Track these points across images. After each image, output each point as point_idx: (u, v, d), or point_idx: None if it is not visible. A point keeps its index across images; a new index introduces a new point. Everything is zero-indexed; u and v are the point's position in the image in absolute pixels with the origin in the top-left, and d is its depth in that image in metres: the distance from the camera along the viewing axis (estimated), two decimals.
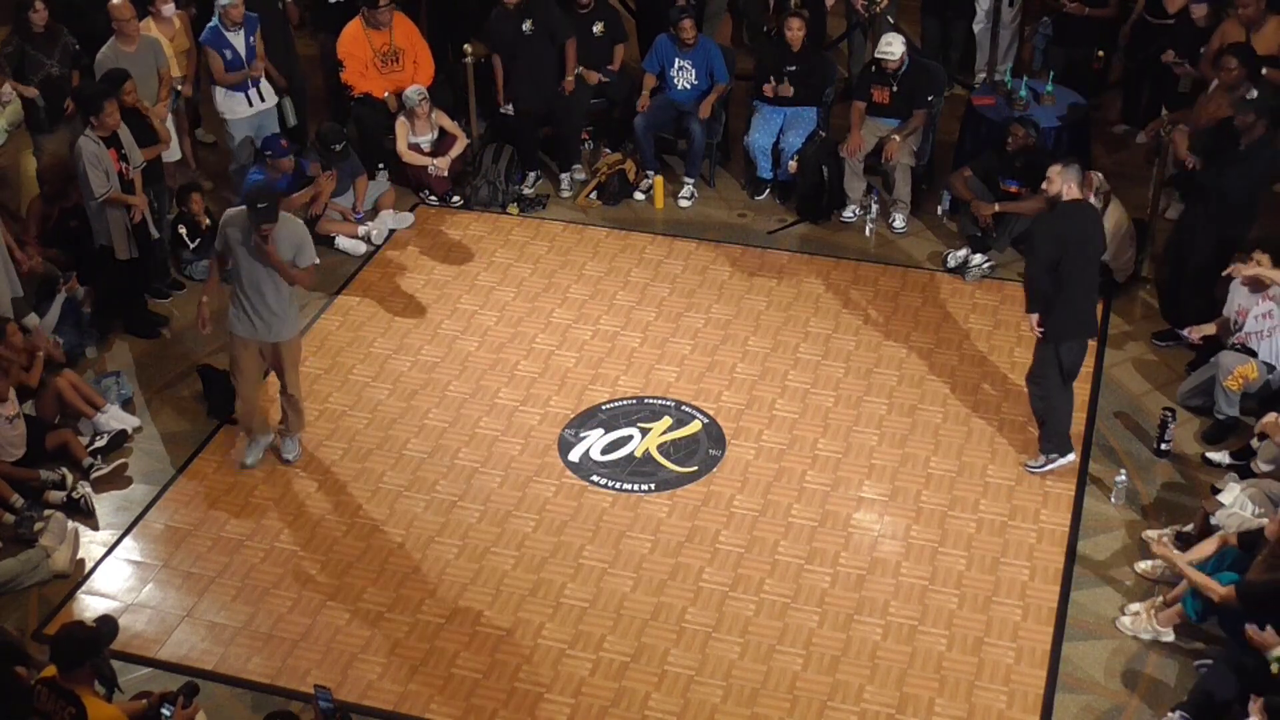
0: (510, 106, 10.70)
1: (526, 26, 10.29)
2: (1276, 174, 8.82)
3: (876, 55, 10.21)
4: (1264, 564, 6.73)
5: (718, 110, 10.72)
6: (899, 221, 10.27)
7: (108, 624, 6.75)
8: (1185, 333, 8.65)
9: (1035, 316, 7.81)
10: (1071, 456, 8.13)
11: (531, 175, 10.84)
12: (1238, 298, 8.34)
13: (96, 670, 6.29)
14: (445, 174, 10.62)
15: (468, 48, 10.82)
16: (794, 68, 10.40)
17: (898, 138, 10.13)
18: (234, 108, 10.16)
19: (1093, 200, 9.19)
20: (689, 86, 10.60)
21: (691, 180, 10.71)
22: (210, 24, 10.05)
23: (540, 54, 10.41)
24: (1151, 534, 7.68)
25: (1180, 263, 8.93)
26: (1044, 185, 7.75)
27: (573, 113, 10.76)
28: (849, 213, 10.40)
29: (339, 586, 7.55)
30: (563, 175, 10.77)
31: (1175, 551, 7.10)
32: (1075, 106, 10.36)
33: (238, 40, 9.99)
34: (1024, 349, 9.10)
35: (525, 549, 7.75)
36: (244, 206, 7.71)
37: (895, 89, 10.18)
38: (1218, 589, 6.76)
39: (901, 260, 10.04)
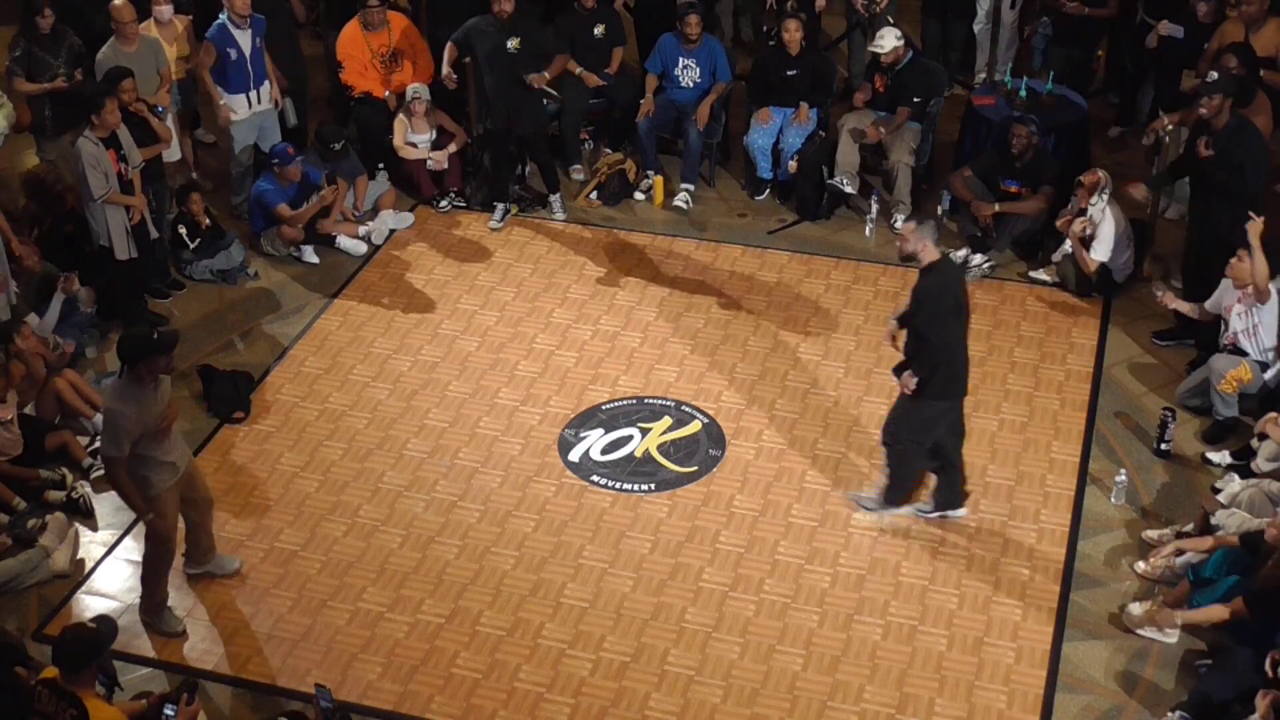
0: (480, 117, 10.46)
1: (511, 45, 9.86)
2: (1263, 153, 8.78)
3: (870, 48, 10.30)
4: (1273, 570, 6.72)
5: (717, 110, 10.72)
6: (899, 221, 10.27)
7: (107, 624, 6.74)
8: (1158, 294, 8.58)
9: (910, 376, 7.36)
10: (910, 510, 7.86)
11: (500, 208, 10.46)
12: (1225, 295, 8.33)
13: (101, 669, 6.30)
14: (445, 166, 10.61)
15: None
16: (793, 71, 10.41)
17: (883, 128, 10.13)
18: (233, 108, 10.15)
19: (1103, 199, 9.23)
20: (693, 84, 10.60)
21: (689, 187, 10.67)
22: (218, 20, 10.01)
23: (519, 75, 9.93)
24: (1152, 534, 7.69)
25: (1200, 271, 8.88)
26: (899, 244, 7.27)
27: (565, 134, 10.66)
28: (841, 181, 10.23)
29: (339, 586, 7.55)
30: (552, 197, 10.59)
31: (1179, 612, 7.02)
32: (1074, 107, 10.37)
33: (244, 40, 9.96)
34: (1024, 349, 9.12)
35: (525, 549, 7.75)
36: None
37: (891, 82, 10.20)
38: (1223, 613, 6.76)
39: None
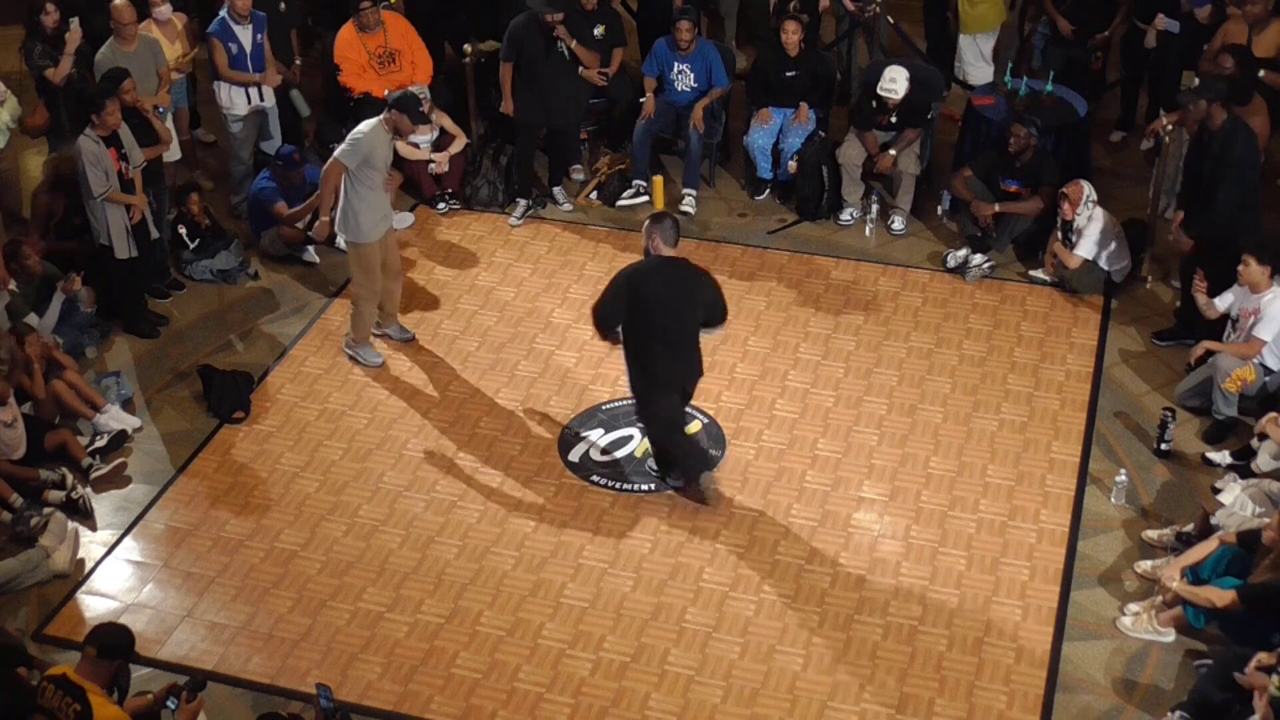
0: (519, 113, 10.43)
1: (561, 45, 10.09)
2: (1256, 156, 8.79)
3: (879, 91, 10.08)
4: (1269, 568, 6.73)
5: (717, 110, 10.72)
6: (898, 223, 10.26)
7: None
8: (1199, 299, 8.51)
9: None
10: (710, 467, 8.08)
11: (521, 204, 10.55)
12: (1238, 299, 8.34)
13: (117, 676, 6.31)
14: (446, 169, 10.61)
15: (467, 48, 10.81)
16: (792, 72, 10.40)
17: (894, 151, 10.13)
18: (233, 102, 10.16)
19: (1088, 208, 9.24)
20: (689, 89, 10.59)
21: (692, 192, 10.64)
22: (219, 16, 10.04)
23: (568, 72, 10.22)
24: (1152, 534, 7.70)
25: (1196, 269, 8.88)
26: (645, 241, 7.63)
27: (574, 124, 10.73)
28: (846, 215, 10.39)
29: (339, 586, 7.55)
30: (555, 189, 10.71)
31: (1177, 582, 7.03)
32: (1074, 107, 10.37)
33: (245, 35, 9.97)
34: (1024, 349, 9.12)
35: (525, 549, 7.75)
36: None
37: (895, 119, 10.18)
38: (1217, 600, 6.76)
39: (901, 260, 10.04)
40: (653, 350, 7.62)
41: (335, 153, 8.54)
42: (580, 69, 10.60)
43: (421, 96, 10.46)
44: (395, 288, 9.11)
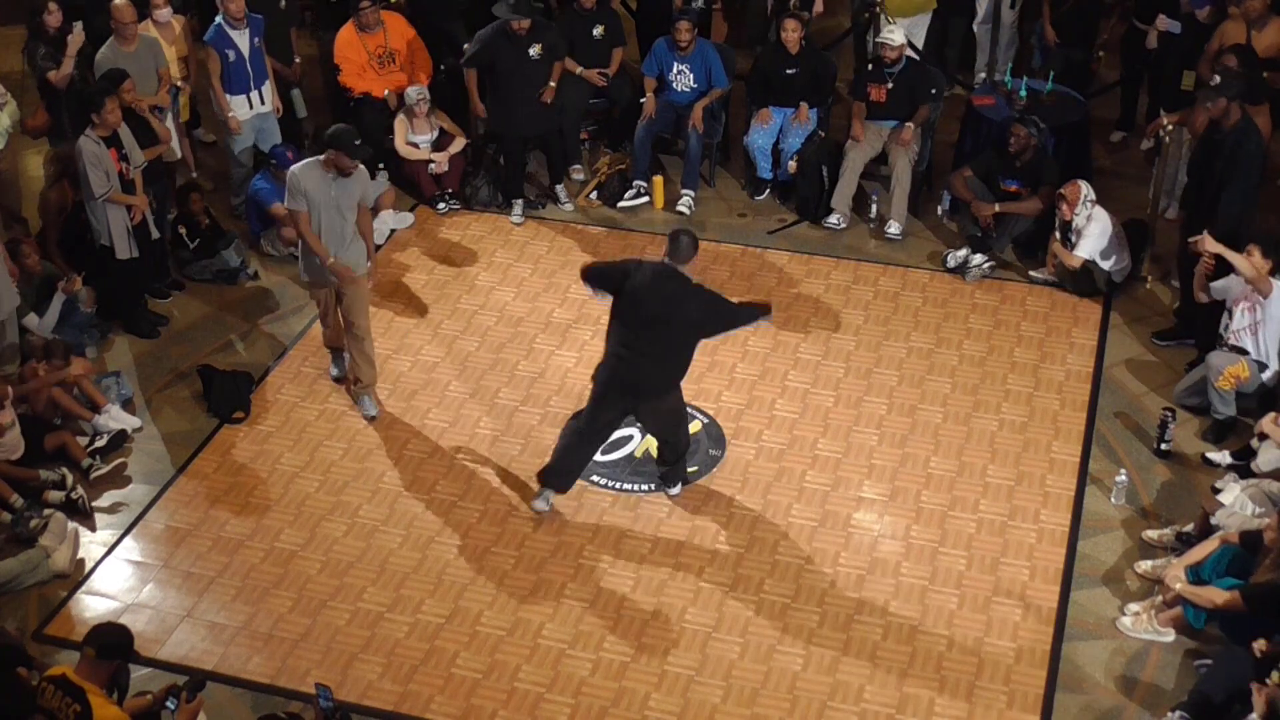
0: (493, 125, 10.52)
1: (534, 52, 10.05)
2: (1264, 156, 8.79)
3: (878, 40, 10.27)
4: (1269, 568, 6.73)
5: (717, 110, 10.71)
6: (894, 229, 10.20)
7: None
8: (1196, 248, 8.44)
9: None
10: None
11: (518, 204, 10.56)
12: (1234, 286, 8.32)
13: (117, 675, 6.31)
14: (446, 169, 10.62)
15: (466, 47, 10.81)
16: (792, 70, 10.40)
17: (911, 125, 10.11)
18: (234, 109, 10.15)
19: (1087, 208, 9.23)
20: (688, 89, 10.59)
21: (691, 192, 10.63)
22: (215, 22, 10.03)
23: (537, 82, 10.19)
24: (1152, 534, 7.70)
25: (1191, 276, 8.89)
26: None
27: (565, 134, 10.72)
28: (834, 219, 10.31)
29: (339, 586, 7.55)
30: (557, 187, 10.72)
31: (1180, 584, 7.02)
32: (1075, 107, 10.37)
33: (242, 41, 9.96)
34: (1024, 349, 9.12)
35: (525, 549, 7.75)
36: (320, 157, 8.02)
37: (891, 86, 10.18)
38: (1218, 600, 6.76)
39: (901, 260, 10.04)
40: (610, 349, 7.57)
41: (287, 203, 8.28)
42: (580, 71, 10.62)
43: (422, 98, 10.49)
44: (355, 353, 8.53)
